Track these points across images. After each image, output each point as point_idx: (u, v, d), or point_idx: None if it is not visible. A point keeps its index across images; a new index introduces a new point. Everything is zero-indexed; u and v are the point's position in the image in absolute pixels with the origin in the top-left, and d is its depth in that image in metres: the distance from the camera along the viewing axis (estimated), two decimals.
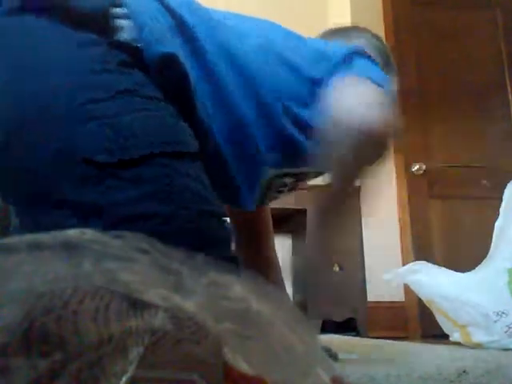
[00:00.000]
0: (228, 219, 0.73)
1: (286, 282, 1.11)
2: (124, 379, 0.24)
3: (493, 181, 2.64)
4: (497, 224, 1.57)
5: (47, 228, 0.28)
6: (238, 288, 0.26)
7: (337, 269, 2.53)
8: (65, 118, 0.51)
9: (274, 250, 1.11)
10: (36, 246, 0.25)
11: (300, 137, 0.71)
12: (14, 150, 0.52)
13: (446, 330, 1.56)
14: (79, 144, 0.50)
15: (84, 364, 0.24)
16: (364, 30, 0.98)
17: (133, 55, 0.57)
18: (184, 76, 0.60)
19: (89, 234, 0.26)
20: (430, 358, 0.91)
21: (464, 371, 0.69)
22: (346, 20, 3.10)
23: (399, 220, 2.69)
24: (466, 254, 2.40)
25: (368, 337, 2.14)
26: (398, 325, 2.55)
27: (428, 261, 1.65)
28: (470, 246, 2.44)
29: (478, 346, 1.40)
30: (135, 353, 0.24)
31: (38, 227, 0.51)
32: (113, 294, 0.25)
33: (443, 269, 1.58)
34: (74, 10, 0.56)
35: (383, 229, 2.66)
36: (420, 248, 2.60)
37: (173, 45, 0.60)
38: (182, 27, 0.62)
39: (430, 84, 2.81)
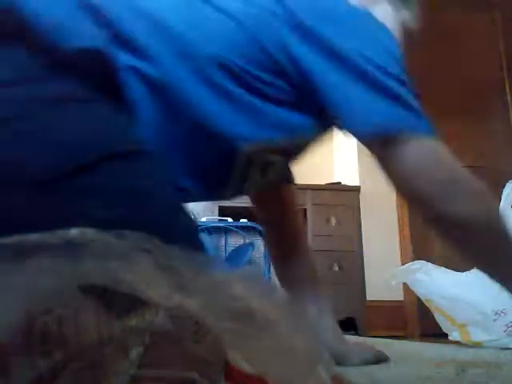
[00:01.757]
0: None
1: None
2: (124, 379, 0.24)
3: (492, 181, 2.64)
4: None
5: None
6: (239, 287, 0.26)
7: (336, 268, 2.53)
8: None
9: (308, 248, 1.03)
10: (38, 246, 0.25)
11: (254, 100, 0.60)
12: None
13: (444, 329, 1.56)
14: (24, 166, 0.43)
15: (84, 363, 0.24)
16: None
17: (56, 55, 0.51)
18: (109, 68, 0.54)
19: (90, 233, 0.26)
20: (429, 357, 0.91)
21: (463, 370, 0.69)
22: None
23: (398, 220, 2.70)
24: None
25: (367, 336, 2.14)
26: (397, 324, 2.56)
27: (427, 260, 1.65)
28: None
29: (477, 345, 1.40)
30: (136, 352, 0.24)
31: None
32: (114, 293, 0.25)
33: (442, 268, 1.58)
34: None
35: (382, 228, 2.66)
36: (419, 247, 2.60)
37: (89, 37, 0.54)
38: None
39: (430, 84, 2.81)
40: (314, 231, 2.56)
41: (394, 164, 0.58)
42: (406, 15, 0.78)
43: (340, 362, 0.77)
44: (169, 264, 0.26)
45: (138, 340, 0.24)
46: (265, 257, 2.47)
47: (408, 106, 0.59)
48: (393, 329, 2.50)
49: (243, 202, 1.37)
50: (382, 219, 2.64)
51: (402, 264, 2.25)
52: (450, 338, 1.54)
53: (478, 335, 1.41)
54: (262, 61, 0.61)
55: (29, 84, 0.49)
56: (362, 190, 2.67)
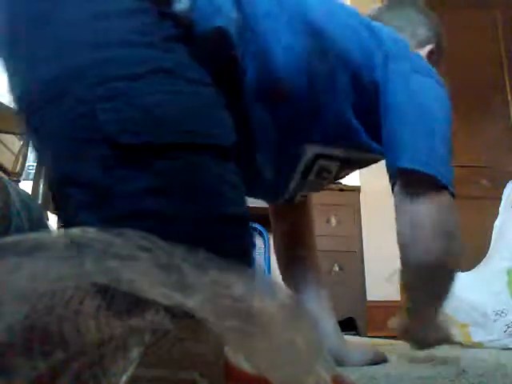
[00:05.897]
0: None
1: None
2: (125, 378, 0.24)
3: (493, 181, 2.64)
4: (496, 224, 1.57)
5: None
6: (240, 286, 0.26)
7: (337, 269, 2.53)
8: (86, 97, 0.45)
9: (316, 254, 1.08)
10: (38, 246, 0.25)
11: (355, 122, 0.68)
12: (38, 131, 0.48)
13: None
14: (102, 124, 0.44)
15: (85, 363, 0.24)
16: (418, 7, 0.97)
17: (183, 28, 0.51)
18: (232, 55, 0.55)
19: (91, 232, 0.26)
20: (430, 357, 0.91)
21: (463, 370, 0.69)
22: None
23: None
24: (465, 253, 2.40)
25: (367, 336, 2.14)
26: None
27: None
28: (470, 245, 2.43)
29: (477, 346, 1.40)
30: (136, 352, 0.24)
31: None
32: (114, 293, 0.25)
33: None
34: None
35: (383, 229, 2.66)
36: None
37: (226, 18, 0.55)
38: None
39: None
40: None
41: (412, 199, 0.65)
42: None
43: (340, 362, 0.78)
44: (169, 263, 0.26)
45: (138, 340, 0.24)
46: (265, 257, 2.47)
47: (448, 165, 0.67)
48: (393, 329, 2.50)
49: None
50: (382, 219, 2.64)
51: None
52: None
53: (478, 335, 1.41)
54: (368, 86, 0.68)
55: (145, 49, 0.48)
56: (362, 189, 2.67)
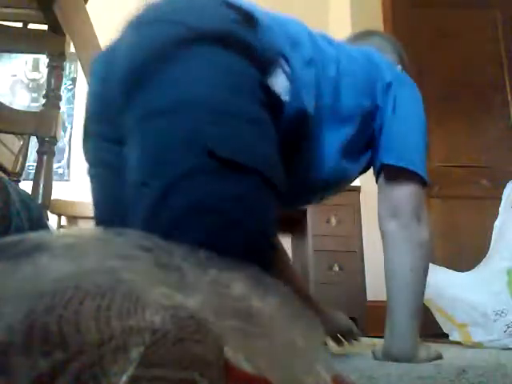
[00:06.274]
0: None
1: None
2: (124, 378, 0.24)
3: (493, 181, 2.64)
4: (496, 224, 1.57)
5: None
6: (240, 285, 0.26)
7: (337, 269, 2.53)
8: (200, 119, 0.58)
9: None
10: (38, 246, 0.25)
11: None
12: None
13: (445, 330, 1.56)
14: (208, 137, 0.57)
15: (85, 363, 0.24)
16: (382, 34, 1.24)
17: (273, 99, 0.67)
18: (305, 124, 0.75)
19: (91, 232, 0.26)
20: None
21: (463, 370, 0.69)
22: (346, 21, 3.10)
23: None
24: (465, 253, 2.40)
25: (368, 336, 2.14)
26: None
27: None
28: (470, 245, 2.44)
29: (477, 346, 1.40)
30: (136, 352, 0.24)
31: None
32: (114, 292, 0.25)
33: (442, 268, 1.58)
34: (249, 44, 0.64)
35: None
36: None
37: (307, 99, 0.73)
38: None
39: (430, 84, 2.81)
40: (314, 231, 2.56)
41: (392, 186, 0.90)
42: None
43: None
44: (169, 263, 0.26)
45: (138, 340, 0.24)
46: None
47: (420, 156, 0.89)
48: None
49: None
50: None
51: None
52: (450, 338, 1.54)
53: (478, 335, 1.41)
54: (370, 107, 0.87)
55: (249, 104, 0.64)
56: (362, 189, 2.67)
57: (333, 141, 0.80)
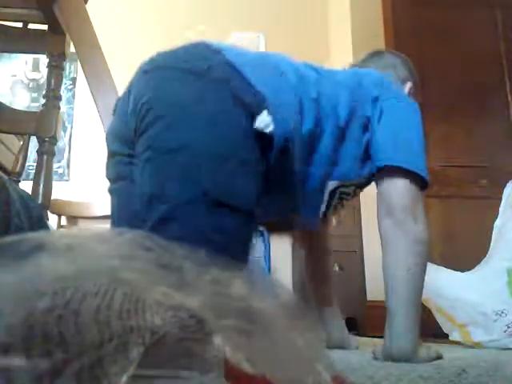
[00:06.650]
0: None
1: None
2: (125, 378, 0.24)
3: (492, 181, 2.64)
4: (496, 224, 1.57)
5: None
6: (240, 285, 0.26)
7: (337, 269, 2.53)
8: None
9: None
10: (38, 246, 0.25)
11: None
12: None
13: (445, 330, 1.56)
14: (204, 180, 0.74)
15: (85, 363, 0.24)
16: (392, 52, 1.27)
17: (263, 138, 0.80)
18: (288, 151, 0.84)
19: (92, 232, 0.26)
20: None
21: (463, 370, 0.69)
22: (346, 21, 3.10)
23: None
24: (465, 253, 2.40)
25: (368, 336, 2.14)
26: None
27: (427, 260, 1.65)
28: (469, 245, 2.44)
29: (477, 346, 1.40)
30: (136, 352, 0.24)
31: None
32: (114, 292, 0.25)
33: (442, 268, 1.58)
34: (240, 94, 0.78)
35: None
36: None
37: (290, 125, 0.82)
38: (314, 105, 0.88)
39: (430, 84, 2.81)
40: None
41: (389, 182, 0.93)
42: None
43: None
44: (170, 262, 0.26)
45: (138, 340, 0.24)
46: (265, 257, 2.47)
47: (417, 158, 0.93)
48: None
49: None
50: None
51: None
52: (450, 338, 1.54)
53: (478, 335, 1.41)
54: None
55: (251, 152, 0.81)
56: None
57: (322, 152, 0.91)
